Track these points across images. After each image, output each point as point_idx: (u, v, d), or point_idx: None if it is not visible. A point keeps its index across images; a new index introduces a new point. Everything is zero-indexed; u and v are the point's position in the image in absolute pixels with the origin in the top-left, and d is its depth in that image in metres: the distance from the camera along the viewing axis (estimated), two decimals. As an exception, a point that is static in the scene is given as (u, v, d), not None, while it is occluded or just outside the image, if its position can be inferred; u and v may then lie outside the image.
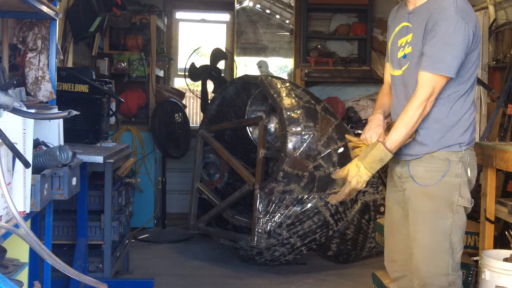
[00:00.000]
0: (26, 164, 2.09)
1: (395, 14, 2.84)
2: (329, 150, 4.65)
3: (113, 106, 4.45)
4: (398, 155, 2.68)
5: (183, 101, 6.98)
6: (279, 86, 4.80)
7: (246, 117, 5.16)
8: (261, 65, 7.75)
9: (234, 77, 6.85)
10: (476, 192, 4.72)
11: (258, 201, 4.57)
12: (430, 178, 2.62)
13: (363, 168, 2.59)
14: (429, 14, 2.55)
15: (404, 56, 2.67)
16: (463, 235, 2.71)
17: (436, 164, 2.62)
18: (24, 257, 2.70)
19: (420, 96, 2.53)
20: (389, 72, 2.83)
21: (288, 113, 4.61)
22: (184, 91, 7.18)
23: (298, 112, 4.64)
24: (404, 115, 2.56)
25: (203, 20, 7.59)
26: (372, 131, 2.70)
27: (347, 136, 3.02)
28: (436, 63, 2.50)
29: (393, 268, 2.88)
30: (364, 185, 2.62)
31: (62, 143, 2.91)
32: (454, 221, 2.63)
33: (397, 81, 2.74)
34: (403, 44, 2.69)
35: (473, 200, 2.70)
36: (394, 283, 2.91)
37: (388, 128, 2.70)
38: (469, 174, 2.65)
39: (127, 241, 4.59)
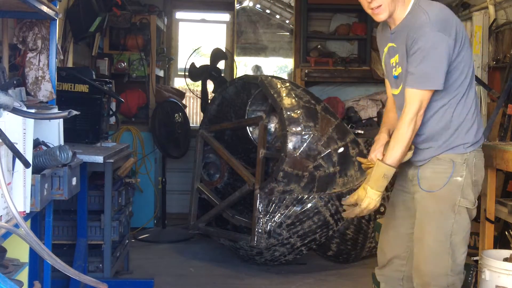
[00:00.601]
0: (26, 164, 2.09)
1: (381, 34, 2.88)
2: (329, 150, 4.65)
3: (113, 106, 4.45)
4: (409, 160, 2.74)
5: (183, 101, 6.98)
6: (279, 86, 4.80)
7: (246, 117, 5.16)
8: (259, 66, 7.75)
9: (234, 77, 6.85)
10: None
11: (258, 201, 4.57)
12: (436, 180, 2.67)
13: (370, 189, 2.66)
14: (407, 32, 2.61)
15: (396, 77, 2.75)
16: (467, 237, 2.73)
17: (442, 166, 2.67)
18: (24, 257, 2.70)
19: (409, 112, 2.59)
20: (390, 89, 2.90)
21: (288, 113, 4.61)
22: (184, 91, 7.18)
23: (298, 112, 4.64)
24: (397, 132, 2.63)
25: (203, 20, 7.59)
26: (377, 151, 2.78)
27: (358, 158, 3.07)
28: (419, 79, 2.56)
29: (381, 258, 2.98)
30: (378, 204, 2.68)
31: (62, 143, 2.91)
32: (456, 222, 2.66)
33: (396, 100, 2.82)
34: (394, 65, 2.75)
35: (477, 202, 2.72)
36: (379, 269, 3.01)
37: (387, 143, 2.76)
38: (474, 176, 2.68)
39: (127, 241, 4.59)
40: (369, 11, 2.69)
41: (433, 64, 2.54)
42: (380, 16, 2.67)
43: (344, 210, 2.84)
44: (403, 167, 2.83)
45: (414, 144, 2.71)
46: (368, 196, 2.66)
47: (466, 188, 2.66)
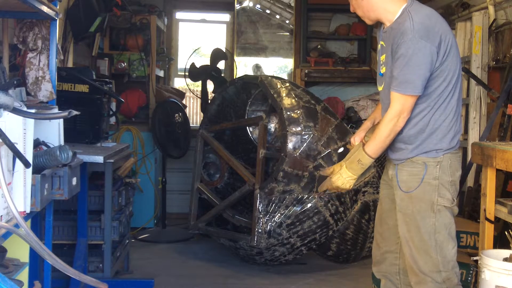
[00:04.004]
0: (26, 164, 2.09)
1: (379, 31, 3.00)
2: (329, 150, 4.65)
3: (113, 106, 4.45)
4: (390, 158, 2.92)
5: (183, 101, 6.98)
6: (279, 86, 4.80)
7: (246, 117, 5.16)
8: (260, 66, 7.74)
9: (234, 77, 6.85)
10: (476, 192, 4.73)
11: (258, 201, 4.57)
12: (411, 182, 2.79)
13: (344, 167, 2.83)
14: (393, 36, 2.71)
15: (381, 75, 2.86)
16: (452, 233, 2.81)
17: (415, 168, 2.79)
18: (25, 257, 2.70)
19: (391, 112, 2.72)
20: None
21: (288, 113, 4.62)
22: (184, 91, 7.18)
23: (298, 112, 4.65)
24: (378, 128, 2.78)
25: (203, 20, 7.59)
26: (356, 135, 2.99)
27: (348, 146, 3.20)
28: (402, 84, 2.66)
29: (376, 253, 3.12)
30: (347, 185, 2.84)
31: (62, 143, 2.92)
32: (437, 220, 2.76)
33: (380, 95, 2.94)
34: (381, 63, 2.87)
35: (455, 199, 2.81)
36: (375, 267, 3.14)
37: (372, 130, 2.95)
38: (450, 177, 2.78)
39: (127, 241, 4.59)
40: None
41: (414, 71, 2.63)
42: (367, 22, 2.90)
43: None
44: (386, 164, 3.02)
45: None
46: (339, 173, 2.83)
47: (441, 188, 2.75)
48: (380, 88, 2.89)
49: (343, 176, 2.82)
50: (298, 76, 6.80)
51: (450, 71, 2.72)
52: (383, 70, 2.83)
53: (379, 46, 2.92)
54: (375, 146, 2.77)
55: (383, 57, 2.83)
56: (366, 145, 2.79)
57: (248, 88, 5.21)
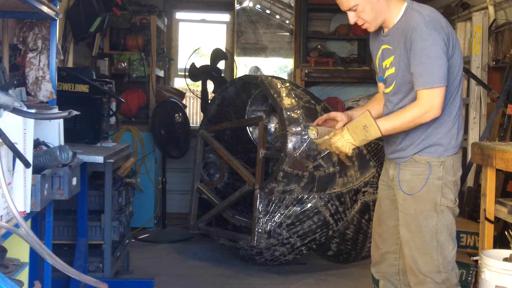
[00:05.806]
0: (26, 164, 2.09)
1: (374, 38, 2.97)
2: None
3: (113, 106, 4.45)
4: (391, 158, 2.89)
5: (183, 101, 6.99)
6: (279, 86, 4.80)
7: (246, 117, 5.16)
8: (257, 69, 7.75)
9: (234, 77, 6.85)
10: (476, 192, 4.74)
11: (258, 201, 4.57)
12: (415, 182, 2.77)
13: (346, 130, 2.70)
14: (403, 34, 2.69)
15: (390, 77, 2.81)
16: (453, 234, 2.80)
17: (419, 168, 2.77)
18: (25, 257, 2.70)
19: (420, 105, 2.63)
20: (381, 88, 2.97)
21: (288, 113, 4.62)
22: (184, 91, 7.18)
23: (298, 112, 4.65)
24: (402, 111, 2.69)
25: (203, 20, 7.59)
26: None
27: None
28: (427, 78, 2.61)
29: (375, 254, 3.10)
30: (346, 148, 2.70)
31: (62, 143, 2.92)
32: (439, 220, 2.75)
33: (387, 97, 2.90)
34: (387, 66, 2.82)
35: (457, 200, 2.81)
36: (374, 267, 3.12)
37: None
38: (453, 177, 2.77)
39: (127, 241, 4.59)
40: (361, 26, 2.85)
41: (435, 62, 2.60)
42: (370, 29, 2.83)
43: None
44: (386, 164, 2.98)
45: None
46: (341, 135, 2.69)
47: (444, 188, 2.74)
48: (387, 90, 2.84)
49: (345, 138, 2.69)
50: (298, 76, 6.80)
51: (456, 66, 2.72)
52: (390, 71, 2.78)
53: (379, 52, 2.86)
54: (390, 124, 2.67)
55: (388, 60, 2.79)
56: (381, 119, 2.69)
57: (248, 88, 5.21)
